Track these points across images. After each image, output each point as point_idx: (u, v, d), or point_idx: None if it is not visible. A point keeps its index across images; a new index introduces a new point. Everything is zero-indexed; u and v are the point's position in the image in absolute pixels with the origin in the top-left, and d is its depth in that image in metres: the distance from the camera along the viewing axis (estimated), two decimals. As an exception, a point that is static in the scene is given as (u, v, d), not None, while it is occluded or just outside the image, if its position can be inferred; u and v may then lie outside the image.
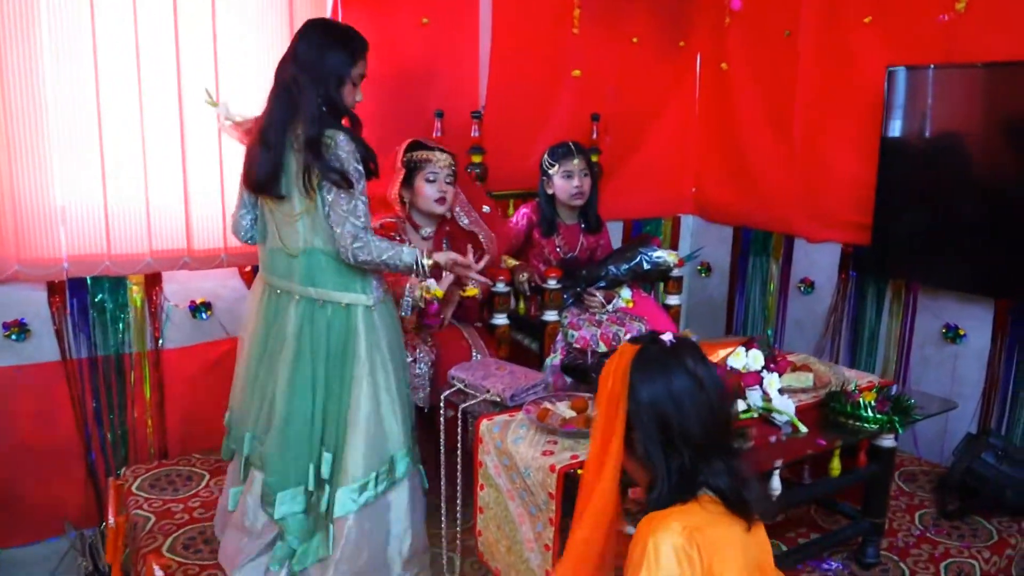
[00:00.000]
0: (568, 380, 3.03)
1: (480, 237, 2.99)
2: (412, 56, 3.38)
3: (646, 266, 3.24)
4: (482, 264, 2.50)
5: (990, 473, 2.75)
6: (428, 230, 2.99)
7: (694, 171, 4.30)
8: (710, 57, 4.10)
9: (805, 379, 2.45)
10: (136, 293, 3.13)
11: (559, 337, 3.06)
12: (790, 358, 2.75)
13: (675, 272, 3.34)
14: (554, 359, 3.01)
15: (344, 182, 2.14)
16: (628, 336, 3.07)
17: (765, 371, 2.31)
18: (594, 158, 3.70)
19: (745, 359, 2.29)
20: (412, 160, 2.91)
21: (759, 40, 3.84)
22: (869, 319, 3.55)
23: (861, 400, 2.18)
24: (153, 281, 3.13)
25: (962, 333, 3.22)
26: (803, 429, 2.14)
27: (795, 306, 3.87)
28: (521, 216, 3.34)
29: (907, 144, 3.24)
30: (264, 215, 2.36)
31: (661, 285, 3.46)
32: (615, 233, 4.12)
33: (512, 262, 3.26)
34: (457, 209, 3.02)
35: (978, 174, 3.05)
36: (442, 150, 2.93)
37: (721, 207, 4.19)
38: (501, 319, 3.00)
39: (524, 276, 3.13)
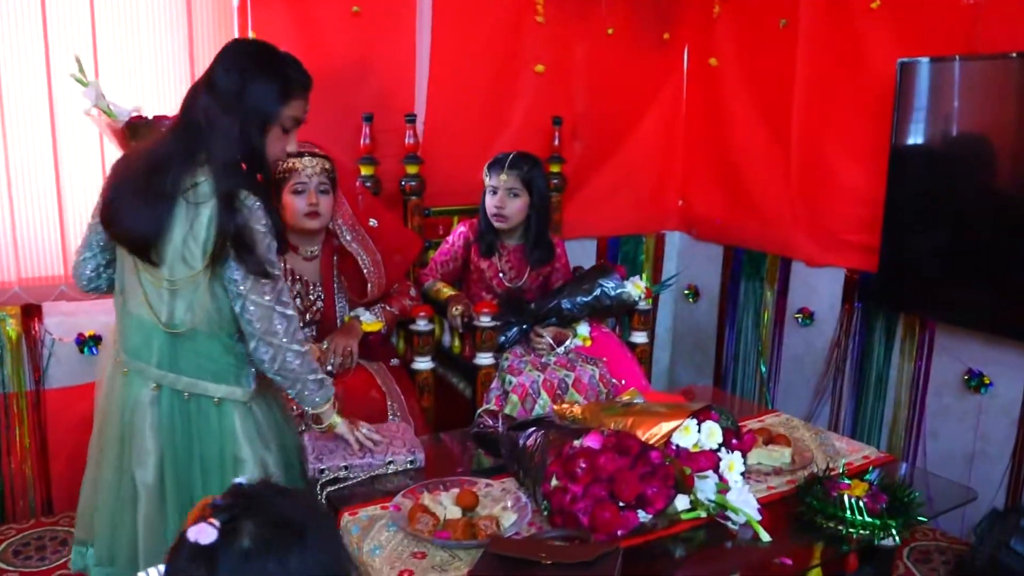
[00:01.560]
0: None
1: (360, 261, 2.50)
2: (340, 50, 2.90)
3: (606, 301, 2.73)
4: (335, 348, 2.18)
5: (1020, 566, 2.20)
6: (311, 249, 2.51)
7: (681, 182, 3.77)
8: (699, 51, 3.57)
9: (780, 455, 1.92)
10: (11, 326, 2.70)
11: (494, 384, 2.56)
12: (767, 420, 2.23)
13: (642, 305, 2.82)
14: (486, 410, 2.50)
15: (261, 270, 1.66)
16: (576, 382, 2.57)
17: (724, 450, 1.79)
18: (555, 168, 3.19)
19: (697, 435, 1.77)
20: (277, 172, 2.42)
21: (752, 31, 3.31)
22: (877, 359, 3.01)
23: (846, 497, 1.65)
24: (31, 313, 2.70)
25: (987, 382, 2.67)
26: (765, 538, 1.62)
27: (792, 339, 3.33)
28: (457, 235, 2.84)
29: (923, 152, 2.70)
30: (123, 265, 1.80)
31: (626, 319, 2.94)
32: (587, 253, 3.61)
33: (447, 291, 2.77)
34: (340, 222, 2.52)
35: (1009, 190, 2.49)
36: (313, 154, 2.43)
37: (710, 223, 3.66)
38: (423, 363, 2.51)
39: (458, 309, 2.64)
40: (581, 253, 3.58)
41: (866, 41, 2.85)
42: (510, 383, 2.52)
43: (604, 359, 2.70)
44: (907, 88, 2.66)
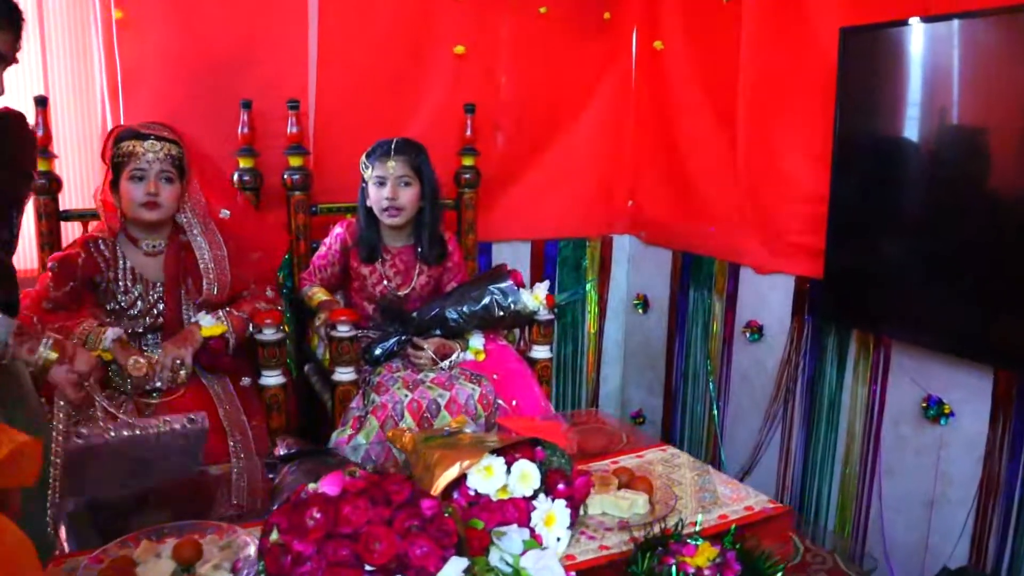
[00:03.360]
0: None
1: (199, 254, 2.19)
2: (220, 28, 2.60)
3: (497, 311, 2.36)
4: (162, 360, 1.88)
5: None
6: (152, 243, 2.20)
7: (630, 180, 3.38)
8: (646, 34, 3.20)
9: (630, 504, 1.53)
10: None
11: (355, 402, 2.21)
12: (648, 455, 1.85)
13: (542, 315, 2.45)
14: (342, 434, 2.16)
15: None
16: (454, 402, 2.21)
17: (543, 497, 1.41)
18: (468, 161, 2.84)
19: (503, 478, 1.39)
20: (116, 155, 2.14)
21: (697, 9, 2.92)
22: (828, 381, 2.58)
23: (675, 570, 1.26)
24: None
25: (948, 411, 2.23)
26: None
27: (741, 356, 2.92)
28: (334, 238, 2.51)
29: (872, 139, 2.28)
30: None
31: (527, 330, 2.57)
32: (519, 258, 3.25)
33: (319, 297, 2.44)
34: (189, 215, 2.21)
35: (980, 184, 2.06)
36: (158, 137, 2.13)
37: (659, 225, 3.27)
38: (272, 377, 2.17)
39: (320, 318, 2.31)
40: (512, 258, 3.22)
41: (809, 9, 2.45)
42: (373, 402, 2.17)
43: (494, 376, 2.33)
44: (851, 62, 2.25)
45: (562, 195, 3.27)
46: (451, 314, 2.36)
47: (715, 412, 3.01)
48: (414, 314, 2.39)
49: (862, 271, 2.33)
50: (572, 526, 1.43)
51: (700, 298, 3.07)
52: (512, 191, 3.17)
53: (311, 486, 1.22)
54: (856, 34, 2.24)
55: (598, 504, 1.53)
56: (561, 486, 1.43)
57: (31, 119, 2.30)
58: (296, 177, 2.61)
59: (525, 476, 1.40)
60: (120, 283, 2.16)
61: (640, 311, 3.41)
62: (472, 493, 1.38)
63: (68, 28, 2.43)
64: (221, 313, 2.18)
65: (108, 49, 2.47)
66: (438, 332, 2.37)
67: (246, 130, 2.57)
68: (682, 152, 3.06)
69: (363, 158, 2.43)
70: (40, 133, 2.32)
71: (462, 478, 1.39)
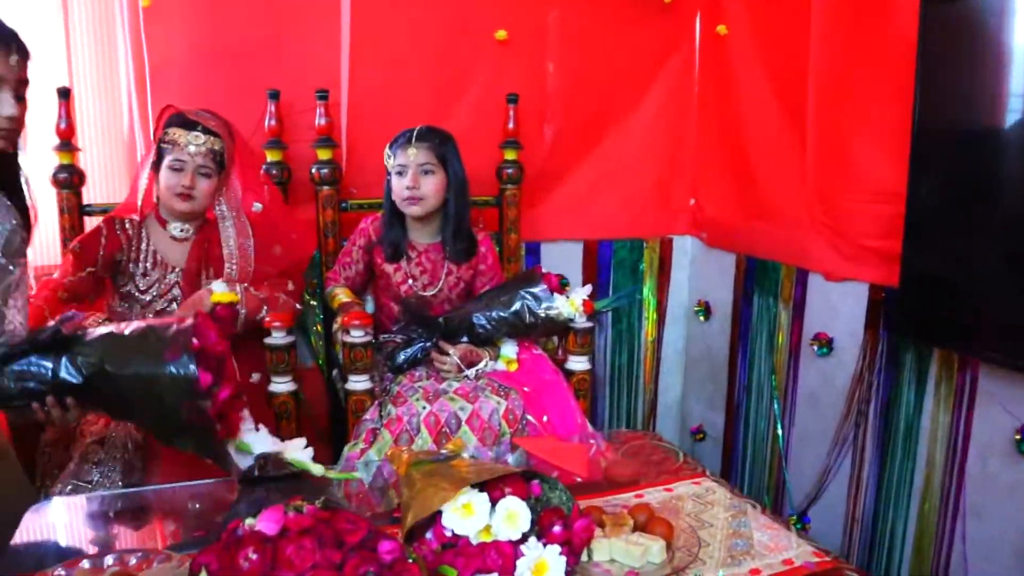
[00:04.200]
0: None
1: (225, 249, 2.14)
2: (250, 15, 2.50)
3: (528, 317, 2.17)
4: None
5: None
6: (181, 228, 2.16)
7: (693, 177, 3.13)
8: (710, 18, 2.94)
9: (643, 552, 1.31)
10: None
11: (370, 413, 2.05)
12: (680, 488, 1.62)
13: (579, 323, 2.24)
14: (353, 448, 2.00)
15: None
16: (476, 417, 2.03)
17: (534, 540, 1.21)
18: (511, 155, 2.66)
19: (485, 518, 1.20)
20: (162, 139, 2.10)
21: (765, -13, 2.66)
22: (906, 404, 2.28)
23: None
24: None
25: (1046, 445, 1.92)
26: None
27: (809, 371, 2.63)
28: (358, 233, 2.36)
29: (957, 130, 1.98)
30: None
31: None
32: (570, 260, 3.04)
33: (342, 298, 2.30)
34: (225, 208, 2.16)
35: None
36: (204, 129, 2.08)
37: (722, 226, 3.01)
38: (281, 384, 2.03)
39: (338, 322, 2.16)
40: (562, 259, 3.01)
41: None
42: (389, 414, 2.01)
43: (525, 389, 2.14)
44: (933, 39, 1.96)
45: (616, 192, 3.05)
46: (479, 319, 2.18)
47: (779, 432, 2.73)
48: (440, 319, 2.22)
49: (944, 280, 2.03)
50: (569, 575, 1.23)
51: (765, 306, 2.80)
52: (561, 188, 2.97)
53: (248, 521, 1.06)
54: (938, 4, 1.94)
55: (606, 549, 1.31)
56: (557, 528, 1.23)
57: (54, 111, 2.26)
58: (324, 171, 2.48)
59: (511, 516, 1.20)
60: (140, 264, 2.13)
61: (702, 318, 3.15)
62: (449, 534, 1.19)
63: (93, 18, 2.36)
64: (238, 286, 2.08)
65: (135, 39, 2.39)
66: (465, 339, 2.20)
67: (273, 122, 2.46)
68: (747, 146, 2.80)
69: (387, 148, 2.29)
70: (63, 126, 2.26)
71: (437, 515, 1.20)
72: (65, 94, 2.26)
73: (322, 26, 2.54)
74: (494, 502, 1.22)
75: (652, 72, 3.01)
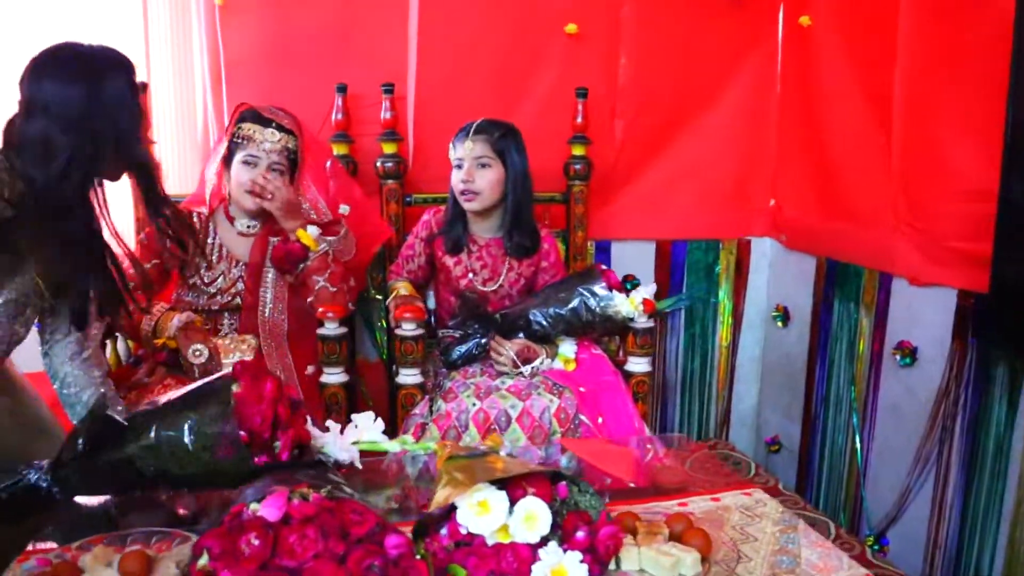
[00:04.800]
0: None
1: (314, 281, 2.11)
2: (320, 9, 2.54)
3: (585, 315, 2.11)
4: None
5: None
6: (248, 223, 2.19)
7: (772, 176, 2.99)
8: (794, 10, 2.80)
9: (676, 563, 1.23)
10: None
11: (419, 408, 2.03)
12: (727, 498, 1.53)
13: (639, 322, 2.16)
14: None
15: None
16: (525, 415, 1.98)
17: (554, 545, 1.16)
18: (579, 150, 2.60)
19: (503, 517, 1.15)
20: (236, 134, 2.12)
21: (851, -25, 2.51)
22: (996, 420, 2.10)
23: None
24: None
25: None
26: None
27: (890, 383, 2.47)
28: (420, 225, 2.35)
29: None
30: None
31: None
32: (643, 260, 2.96)
33: (402, 292, 2.29)
34: (305, 204, 2.20)
35: None
36: (279, 127, 2.11)
37: (802, 227, 2.86)
38: (333, 375, 2.04)
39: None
40: (634, 259, 2.94)
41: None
42: (438, 410, 1.99)
43: (580, 389, 2.08)
44: (1031, 23, 1.79)
45: (692, 191, 2.95)
46: (536, 316, 2.14)
47: (858, 447, 2.57)
48: (497, 314, 2.18)
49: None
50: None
51: (845, 312, 2.64)
52: (633, 185, 2.89)
53: (252, 506, 1.05)
54: (1040, -12, 1.78)
55: (635, 558, 1.24)
56: (580, 534, 1.17)
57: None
58: (389, 165, 2.48)
59: (530, 517, 1.15)
60: (205, 257, 2.17)
61: (779, 324, 3.01)
62: (464, 532, 1.15)
63: (170, 15, 2.43)
64: (325, 243, 2.11)
65: (210, 36, 2.46)
66: (521, 335, 2.15)
67: (340, 116, 2.48)
68: (830, 142, 2.65)
69: (451, 141, 2.26)
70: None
71: (453, 511, 1.16)
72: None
73: (390, 20, 2.56)
74: (514, 501, 1.17)
75: (732, 66, 2.89)
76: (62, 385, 1.68)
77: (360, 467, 1.47)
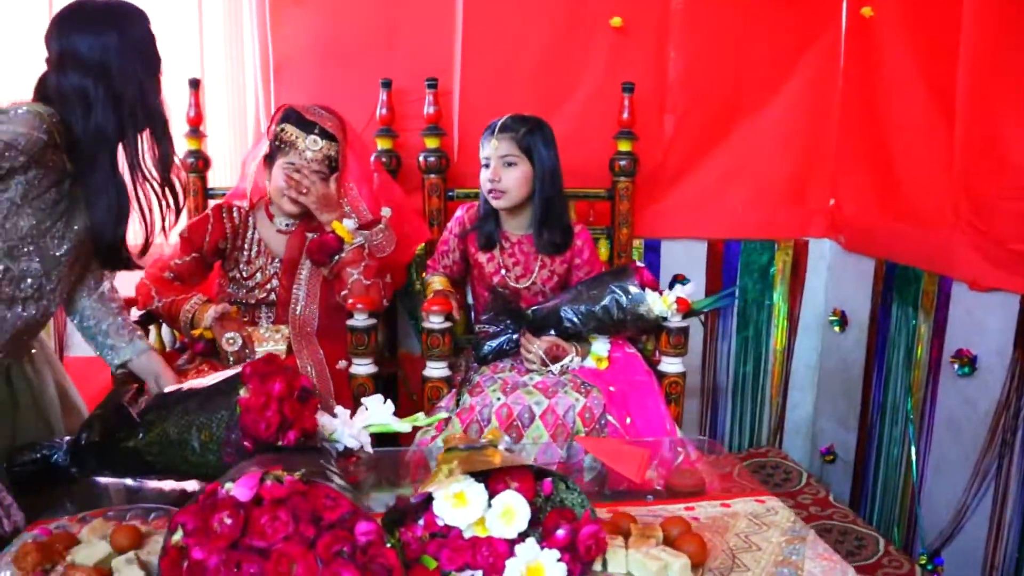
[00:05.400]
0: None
1: (348, 274, 2.13)
2: (367, 5, 2.58)
3: (617, 312, 2.07)
4: None
5: None
6: (287, 221, 2.23)
7: (832, 174, 2.87)
8: (857, 1, 2.68)
9: (663, 569, 1.19)
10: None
11: (445, 401, 2.03)
12: (737, 504, 1.47)
13: (672, 322, 2.10)
14: (425, 435, 1.98)
15: None
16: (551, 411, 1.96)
17: (532, 542, 1.13)
18: (625, 146, 2.55)
19: (481, 510, 1.13)
20: (277, 136, 2.14)
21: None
22: (1058, 437, 1.96)
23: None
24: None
25: None
26: None
27: (948, 393, 2.33)
28: (454, 221, 2.35)
29: None
30: None
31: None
32: (694, 260, 2.89)
33: (437, 286, 2.30)
34: (346, 207, 2.22)
35: None
36: (322, 133, 2.13)
37: (861, 228, 2.74)
38: (362, 366, 2.06)
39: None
40: (685, 259, 2.87)
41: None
42: (463, 403, 1.98)
43: (610, 388, 2.03)
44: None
45: (747, 189, 2.86)
46: (567, 313, 2.11)
47: (913, 459, 2.44)
48: (528, 310, 2.16)
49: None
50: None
51: (903, 317, 2.51)
52: (684, 182, 2.83)
53: (227, 485, 1.06)
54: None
55: (622, 560, 1.20)
56: (561, 532, 1.14)
57: (186, 100, 2.41)
58: (431, 159, 2.49)
59: (508, 512, 1.13)
60: (244, 252, 2.21)
61: (837, 329, 2.88)
62: (441, 524, 1.14)
63: (224, 14, 2.51)
64: (361, 236, 2.15)
65: (261, 33, 2.52)
66: (552, 332, 2.13)
67: (385, 111, 2.50)
68: (891, 140, 2.53)
69: (480, 140, 2.25)
70: (192, 114, 2.42)
71: (431, 501, 1.15)
72: (195, 84, 2.42)
73: (436, 15, 2.57)
74: (494, 495, 1.15)
75: (790, 59, 2.79)
76: (81, 319, 1.77)
77: (371, 452, 1.47)
